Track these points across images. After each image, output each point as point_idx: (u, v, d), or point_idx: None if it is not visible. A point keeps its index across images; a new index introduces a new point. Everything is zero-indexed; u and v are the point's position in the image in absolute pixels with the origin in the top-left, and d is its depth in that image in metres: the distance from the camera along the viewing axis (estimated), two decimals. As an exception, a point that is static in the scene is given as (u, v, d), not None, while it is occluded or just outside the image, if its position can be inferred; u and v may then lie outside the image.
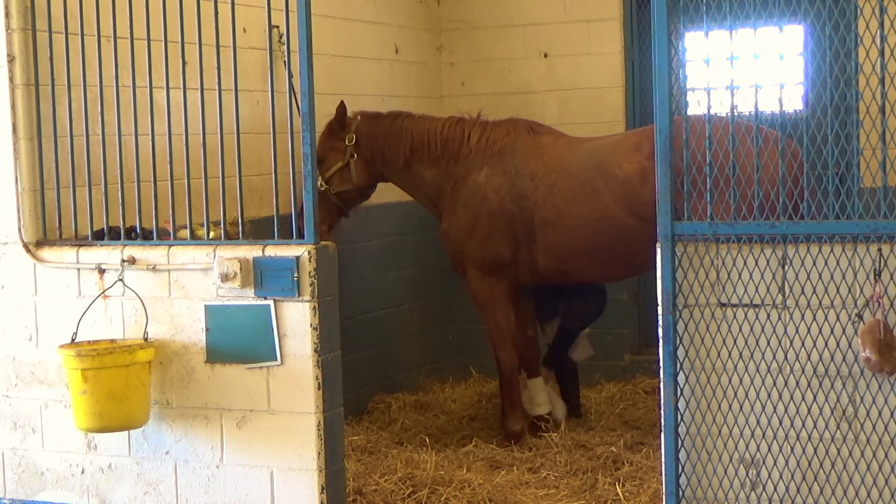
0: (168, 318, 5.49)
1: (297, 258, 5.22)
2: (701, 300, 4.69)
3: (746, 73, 4.69)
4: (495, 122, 7.20)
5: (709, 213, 4.69)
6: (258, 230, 5.86)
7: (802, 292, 4.57)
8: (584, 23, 8.60)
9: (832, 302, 4.53)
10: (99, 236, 5.68)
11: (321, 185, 7.04)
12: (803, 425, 4.59)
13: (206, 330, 5.42)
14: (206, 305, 5.41)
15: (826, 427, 4.57)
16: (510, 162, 7.00)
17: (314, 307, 5.23)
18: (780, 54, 4.82)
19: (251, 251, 5.33)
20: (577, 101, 8.59)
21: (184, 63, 5.48)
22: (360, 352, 7.76)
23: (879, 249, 4.45)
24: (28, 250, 5.69)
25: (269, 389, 5.33)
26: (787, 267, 4.59)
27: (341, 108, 7.15)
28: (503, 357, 7.16)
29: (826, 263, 4.53)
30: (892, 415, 4.49)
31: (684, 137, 4.74)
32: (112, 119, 5.61)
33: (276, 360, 5.30)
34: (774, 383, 4.62)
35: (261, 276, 5.29)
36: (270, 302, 5.28)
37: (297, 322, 5.25)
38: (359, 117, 7.26)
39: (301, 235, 5.29)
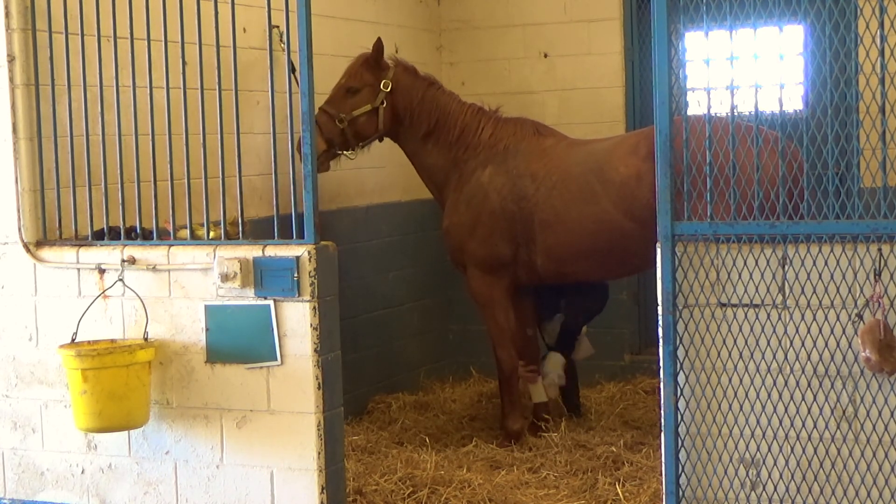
0: (168, 318, 5.49)
1: (297, 258, 5.22)
2: (701, 300, 4.69)
3: (746, 73, 4.69)
4: (505, 120, 7.21)
5: (709, 214, 4.69)
6: (258, 230, 5.86)
7: (802, 292, 4.57)
8: (584, 23, 8.60)
9: (832, 302, 4.53)
10: (99, 236, 5.68)
11: (342, 119, 6.96)
12: (803, 425, 4.60)
13: (206, 330, 5.42)
14: (206, 305, 5.41)
15: (826, 427, 4.57)
16: (513, 162, 7.01)
17: (314, 307, 5.23)
18: (780, 54, 4.82)
19: (251, 251, 5.33)
20: (577, 101, 8.59)
21: (184, 63, 5.48)
22: (360, 352, 7.75)
23: (879, 249, 4.45)
24: (28, 250, 5.69)
25: (269, 389, 5.33)
26: (787, 267, 4.59)
27: (379, 43, 7.06)
28: (503, 356, 7.16)
29: (826, 263, 4.53)
30: (892, 415, 4.49)
31: (684, 137, 4.74)
32: (112, 119, 5.62)
33: (276, 360, 5.30)
34: (774, 383, 4.62)
35: (261, 276, 5.29)
36: (270, 302, 5.28)
37: (297, 322, 5.25)
38: (392, 63, 7.15)
39: (300, 234, 5.29)
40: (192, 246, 5.48)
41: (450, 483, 6.19)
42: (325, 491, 5.28)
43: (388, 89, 7.06)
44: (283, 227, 5.44)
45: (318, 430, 5.26)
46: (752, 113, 4.72)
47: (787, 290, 4.60)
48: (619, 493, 6.04)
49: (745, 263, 4.63)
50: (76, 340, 5.46)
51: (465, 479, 6.24)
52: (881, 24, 4.46)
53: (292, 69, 5.68)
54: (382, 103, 7.07)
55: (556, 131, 7.26)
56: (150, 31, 5.50)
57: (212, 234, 5.59)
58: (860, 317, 4.48)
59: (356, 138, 7.11)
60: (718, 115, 4.80)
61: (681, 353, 4.70)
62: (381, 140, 7.29)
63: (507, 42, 8.78)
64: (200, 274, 5.43)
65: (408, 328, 8.49)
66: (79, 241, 5.68)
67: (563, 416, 7.51)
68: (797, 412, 4.60)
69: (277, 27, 6.40)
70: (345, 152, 7.11)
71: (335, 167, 7.19)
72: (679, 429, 4.71)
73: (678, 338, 4.70)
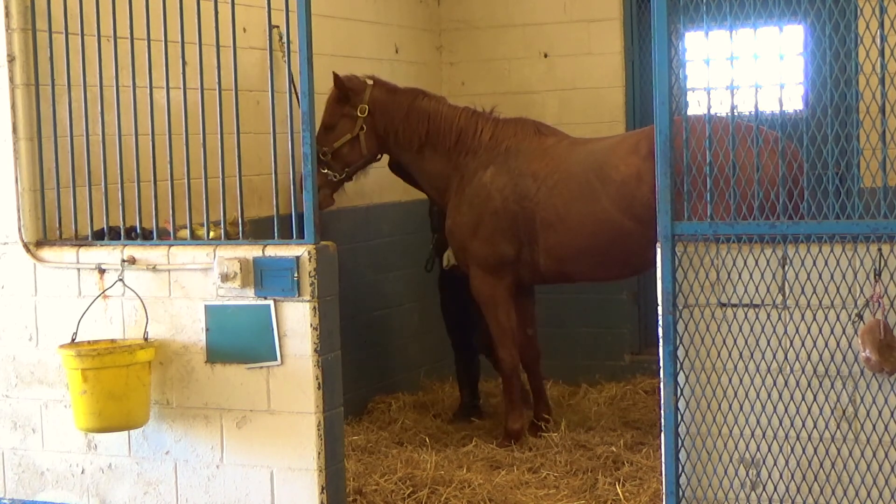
0: (168, 318, 5.49)
1: (297, 258, 5.22)
2: (701, 300, 4.69)
3: (746, 73, 4.69)
4: (505, 120, 7.19)
5: (709, 214, 4.69)
6: (258, 230, 5.86)
7: (802, 292, 4.57)
8: (584, 23, 8.60)
9: (832, 302, 4.53)
10: (99, 236, 5.68)
11: (325, 153, 6.98)
12: (803, 425, 4.59)
13: (206, 330, 5.42)
14: (206, 305, 5.41)
15: (826, 427, 4.57)
16: (514, 162, 7.00)
17: (314, 307, 5.23)
18: (780, 54, 4.82)
19: (251, 251, 5.33)
20: (577, 101, 8.59)
21: (184, 63, 5.48)
22: (360, 352, 7.75)
23: (879, 249, 4.45)
24: (28, 250, 5.69)
25: (269, 389, 5.33)
26: (787, 267, 4.59)
27: (338, 79, 7.03)
28: (504, 356, 7.16)
29: (826, 263, 4.53)
30: (892, 415, 4.49)
31: (684, 137, 4.74)
32: (112, 119, 5.62)
33: (276, 360, 5.30)
34: (774, 383, 4.62)
35: (261, 276, 5.29)
36: (270, 302, 5.28)
37: (297, 322, 5.25)
38: (370, 83, 7.15)
39: (300, 234, 5.28)
40: (192, 246, 5.48)
41: (450, 483, 6.18)
42: (325, 491, 5.28)
43: (366, 114, 7.07)
44: (283, 227, 5.44)
45: (318, 430, 5.26)
46: (752, 113, 4.72)
47: (787, 290, 4.60)
48: (619, 493, 6.04)
49: (745, 263, 4.63)
50: (76, 340, 5.46)
51: (465, 479, 6.24)
52: (881, 24, 4.46)
53: (292, 83, 5.71)
54: (362, 128, 7.08)
55: (557, 130, 7.26)
56: (150, 31, 5.50)
57: (212, 234, 5.59)
58: (860, 317, 4.48)
59: (344, 166, 7.13)
60: (718, 115, 4.80)
61: (681, 353, 4.70)
62: (378, 159, 7.31)
63: (507, 42, 8.78)
64: (200, 274, 5.43)
65: (408, 328, 8.49)
66: (79, 241, 5.68)
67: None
68: (797, 412, 4.60)
69: (277, 27, 6.41)
70: (337, 177, 7.11)
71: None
72: (679, 429, 4.71)
73: (678, 338, 4.70)
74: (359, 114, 7.08)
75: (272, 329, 5.28)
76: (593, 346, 8.47)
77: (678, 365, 4.70)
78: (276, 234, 5.42)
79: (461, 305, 7.67)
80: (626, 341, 8.65)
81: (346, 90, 7.07)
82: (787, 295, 4.60)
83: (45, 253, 5.70)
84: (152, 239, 5.56)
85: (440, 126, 7.13)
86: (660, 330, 4.71)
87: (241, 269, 5.30)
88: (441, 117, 7.15)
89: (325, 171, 7.05)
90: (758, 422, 4.65)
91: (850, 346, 4.52)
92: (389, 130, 7.14)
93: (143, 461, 5.59)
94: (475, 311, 7.45)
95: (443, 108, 7.20)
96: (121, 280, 5.52)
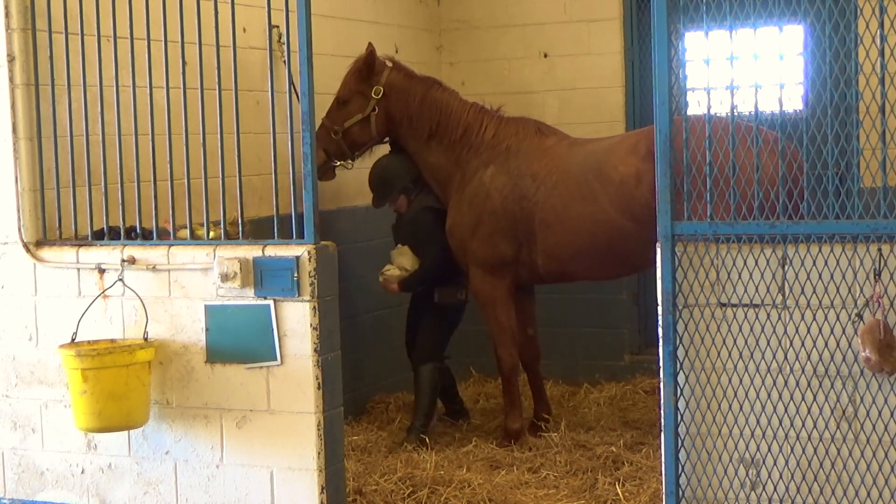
0: (168, 318, 5.49)
1: (297, 258, 5.22)
2: (701, 300, 4.69)
3: (746, 73, 4.69)
4: (508, 119, 7.19)
5: (709, 214, 4.69)
6: (258, 230, 5.86)
7: (802, 292, 4.57)
8: (584, 23, 8.60)
9: (832, 302, 4.53)
10: (99, 236, 5.68)
11: (336, 132, 7.04)
12: (803, 425, 4.60)
13: (206, 330, 5.42)
14: (206, 305, 5.41)
15: (826, 427, 4.57)
16: (514, 162, 7.00)
17: (314, 307, 5.23)
18: (780, 54, 4.82)
19: (251, 251, 5.33)
20: (577, 101, 8.59)
21: (184, 63, 5.48)
22: (360, 352, 7.75)
23: (879, 249, 4.45)
24: (28, 250, 5.69)
25: (269, 389, 5.33)
26: (787, 267, 4.59)
27: (370, 52, 7.08)
28: (503, 356, 7.16)
29: (826, 263, 4.53)
30: (892, 415, 4.49)
31: (684, 137, 4.74)
32: (112, 119, 5.62)
33: (275, 360, 5.30)
34: (774, 383, 4.62)
35: (261, 275, 5.29)
36: (270, 302, 5.28)
37: (297, 322, 5.25)
38: (389, 65, 7.15)
39: (300, 234, 5.28)
40: (192, 246, 5.48)
41: (450, 483, 6.19)
42: (324, 491, 5.28)
43: (380, 95, 7.07)
44: (283, 227, 5.44)
45: (318, 430, 5.26)
46: (752, 113, 4.72)
47: (787, 290, 4.60)
48: (619, 493, 6.04)
49: (745, 263, 4.63)
50: (76, 340, 5.46)
51: (465, 479, 6.24)
52: (881, 24, 4.46)
53: (292, 83, 5.71)
54: (374, 110, 7.08)
55: (557, 131, 7.25)
56: (150, 31, 5.50)
57: (212, 234, 5.59)
58: (860, 317, 4.48)
59: (353, 148, 7.19)
60: (718, 115, 4.80)
61: (681, 353, 4.70)
62: (385, 142, 7.31)
63: (507, 42, 8.78)
64: (200, 274, 5.43)
65: (408, 328, 8.48)
66: (79, 241, 5.68)
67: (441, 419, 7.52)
68: (797, 412, 4.60)
69: (277, 27, 6.41)
70: (342, 162, 7.15)
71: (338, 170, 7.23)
72: (679, 429, 4.71)
73: (678, 338, 4.70)
74: (373, 95, 7.08)
75: (272, 329, 5.28)
76: (593, 346, 8.46)
77: (678, 365, 4.70)
78: (276, 234, 5.42)
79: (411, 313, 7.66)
80: (626, 341, 8.65)
81: (371, 65, 7.06)
82: (787, 295, 4.60)
83: (45, 253, 5.70)
84: (152, 239, 5.56)
85: (449, 118, 7.14)
86: (660, 330, 4.71)
87: (240, 269, 5.30)
88: (451, 110, 7.15)
89: (337, 162, 7.10)
90: (758, 422, 4.65)
91: (850, 346, 4.52)
92: (403, 116, 7.14)
93: (143, 461, 5.60)
94: (423, 319, 7.46)
95: (454, 101, 7.21)
96: (121, 280, 5.52)
